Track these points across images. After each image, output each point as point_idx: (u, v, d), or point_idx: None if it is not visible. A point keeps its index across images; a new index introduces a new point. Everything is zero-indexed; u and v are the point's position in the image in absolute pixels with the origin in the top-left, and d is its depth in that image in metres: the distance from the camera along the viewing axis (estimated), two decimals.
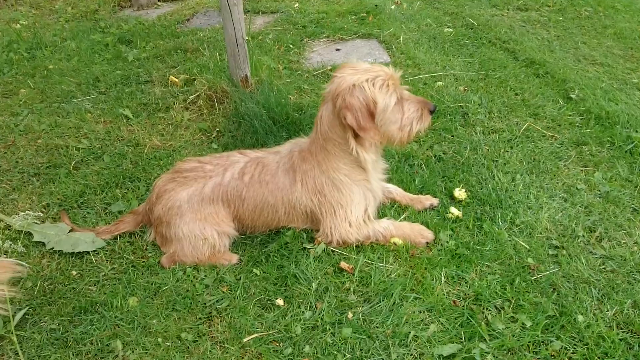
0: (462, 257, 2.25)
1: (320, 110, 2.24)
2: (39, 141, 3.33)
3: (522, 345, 1.86)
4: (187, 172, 2.38)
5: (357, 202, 2.29)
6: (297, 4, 5.51)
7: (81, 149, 3.21)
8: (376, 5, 5.23)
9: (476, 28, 4.74)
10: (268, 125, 3.11)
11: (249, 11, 5.43)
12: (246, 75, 3.49)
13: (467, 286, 2.12)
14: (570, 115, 3.30)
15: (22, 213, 2.60)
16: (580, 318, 1.93)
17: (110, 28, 5.08)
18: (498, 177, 2.74)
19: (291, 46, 4.45)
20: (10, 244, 2.45)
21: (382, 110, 2.12)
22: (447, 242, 2.33)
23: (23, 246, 2.47)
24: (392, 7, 5.30)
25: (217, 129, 3.31)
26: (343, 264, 2.25)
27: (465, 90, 3.63)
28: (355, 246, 2.34)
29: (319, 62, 4.15)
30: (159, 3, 5.77)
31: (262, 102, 3.24)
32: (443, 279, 2.15)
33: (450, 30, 4.71)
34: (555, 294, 2.05)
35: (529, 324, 1.92)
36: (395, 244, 2.34)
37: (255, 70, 3.60)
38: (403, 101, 2.19)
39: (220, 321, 2.05)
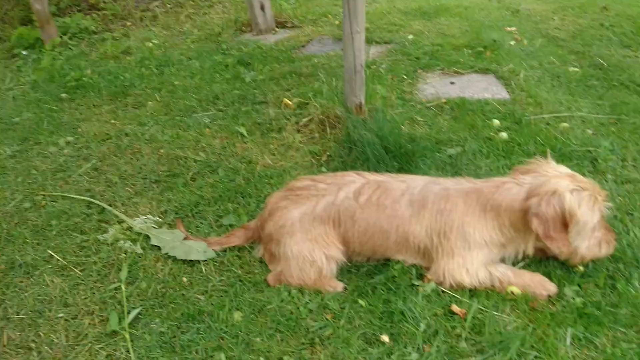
0: (592, 317, 2.01)
1: (508, 180, 2.21)
2: (161, 150, 3.54)
3: None
4: (300, 190, 2.39)
5: (480, 259, 2.18)
6: (411, 36, 5.49)
7: (198, 161, 3.36)
8: (494, 40, 5.06)
9: (606, 69, 4.41)
10: (380, 153, 3.06)
11: None
12: (360, 102, 3.48)
13: (597, 352, 1.89)
14: None
15: (143, 217, 2.74)
16: None
17: (231, 50, 5.36)
18: (634, 232, 2.46)
19: (404, 77, 4.41)
20: (130, 245, 2.59)
21: (582, 226, 2.08)
22: (574, 298, 2.11)
23: (141, 248, 2.59)
24: (512, 42, 5.10)
25: (328, 153, 3.32)
26: (454, 307, 2.11)
27: (594, 134, 3.36)
28: (469, 289, 2.19)
29: (433, 94, 4.06)
30: (276, 29, 6.03)
31: (375, 130, 3.21)
32: (568, 339, 1.94)
33: (576, 69, 4.42)
34: None
35: None
36: (512, 293, 2.16)
37: (369, 98, 3.60)
38: (601, 220, 2.15)
39: (323, 349, 1.99)
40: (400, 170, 2.99)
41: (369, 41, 5.51)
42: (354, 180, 2.35)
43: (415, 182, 2.33)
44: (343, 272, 2.38)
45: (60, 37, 5.71)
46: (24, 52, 5.59)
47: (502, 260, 2.28)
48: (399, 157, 3.08)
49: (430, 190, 2.28)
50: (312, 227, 2.30)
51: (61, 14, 6.48)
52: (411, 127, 3.57)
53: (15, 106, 4.43)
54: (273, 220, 2.36)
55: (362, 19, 3.23)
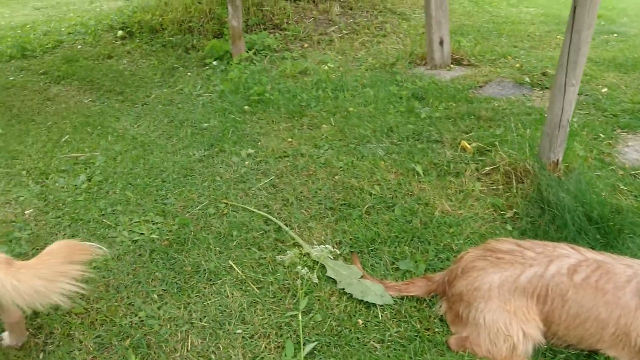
0: None
1: None
2: (336, 177, 3.54)
3: None
4: (502, 253, 2.17)
5: None
6: (605, 89, 4.96)
7: (373, 194, 3.29)
8: None
9: None
10: (582, 222, 2.72)
11: (547, 88, 5.10)
12: (558, 159, 3.17)
13: None
14: None
15: (321, 246, 2.71)
16: None
17: (405, 82, 5.30)
18: None
19: (601, 135, 3.96)
20: (307, 272, 2.56)
21: None
22: None
23: (317, 277, 2.56)
24: None
25: (515, 210, 3.04)
26: None
27: None
28: None
29: (638, 160, 3.58)
30: (451, 66, 5.85)
31: (575, 194, 2.87)
32: None
33: None
34: None
35: None
36: None
37: (566, 156, 3.26)
38: None
39: None
40: (606, 246, 2.62)
41: None
42: (569, 255, 2.08)
43: None
44: (536, 354, 2.11)
45: (247, 52, 6.12)
46: (214, 63, 6.08)
47: None
48: (604, 230, 2.71)
49: None
50: (512, 297, 2.07)
51: (248, 30, 6.98)
52: (612, 195, 3.15)
53: (204, 112, 4.79)
54: (466, 280, 2.17)
55: (581, 70, 2.93)
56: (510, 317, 2.05)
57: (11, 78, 6.20)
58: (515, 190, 3.21)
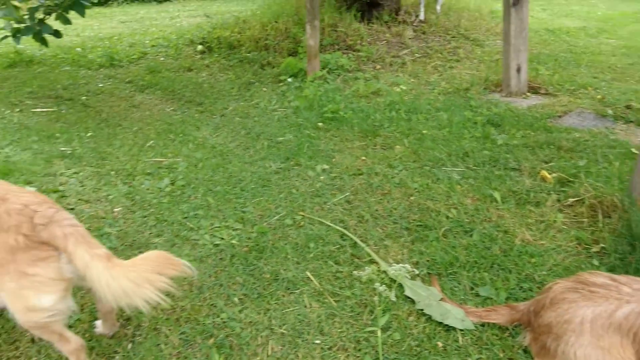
0: None
1: None
2: (411, 198, 3.54)
3: None
4: (596, 287, 2.08)
5: None
6: None
7: (450, 218, 3.26)
8: None
9: None
10: None
11: (632, 121, 4.90)
12: None
13: None
14: None
15: (399, 264, 2.71)
16: None
17: (480, 108, 5.23)
18: None
19: None
20: (385, 289, 2.57)
21: None
22: None
23: (395, 295, 2.56)
24: None
25: (602, 245, 2.93)
26: None
27: None
28: None
29: None
30: (528, 94, 5.73)
31: None
32: None
33: None
34: None
35: None
36: None
37: None
38: None
39: None
40: None
41: (638, 124, 4.90)
42: None
43: None
44: None
45: (320, 70, 6.26)
46: (289, 80, 6.26)
47: None
48: None
49: None
50: (605, 333, 1.98)
51: (322, 50, 7.13)
52: None
53: (279, 126, 4.93)
54: (556, 312, 2.09)
55: None
56: (604, 354, 1.96)
57: (100, 85, 6.63)
58: (601, 225, 3.09)
